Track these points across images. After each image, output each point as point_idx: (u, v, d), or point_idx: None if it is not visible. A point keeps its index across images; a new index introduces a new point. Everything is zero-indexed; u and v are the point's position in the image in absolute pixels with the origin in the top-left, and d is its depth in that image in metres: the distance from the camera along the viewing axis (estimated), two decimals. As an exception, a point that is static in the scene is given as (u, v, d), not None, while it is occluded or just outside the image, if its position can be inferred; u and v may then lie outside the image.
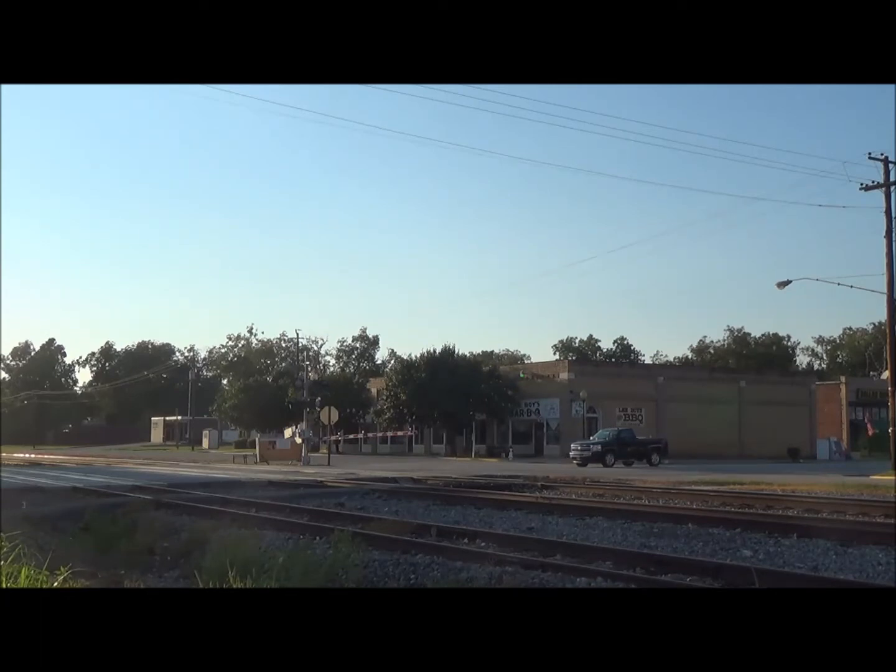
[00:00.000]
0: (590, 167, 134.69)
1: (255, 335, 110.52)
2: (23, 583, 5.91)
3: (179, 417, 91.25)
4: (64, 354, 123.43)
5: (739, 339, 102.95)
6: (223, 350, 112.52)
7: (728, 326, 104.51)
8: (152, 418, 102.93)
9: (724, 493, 19.11)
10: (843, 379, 76.02)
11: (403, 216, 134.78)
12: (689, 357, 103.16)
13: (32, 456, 54.89)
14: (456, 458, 54.90)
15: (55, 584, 5.99)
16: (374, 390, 70.92)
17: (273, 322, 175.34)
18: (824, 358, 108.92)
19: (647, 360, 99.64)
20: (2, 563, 6.35)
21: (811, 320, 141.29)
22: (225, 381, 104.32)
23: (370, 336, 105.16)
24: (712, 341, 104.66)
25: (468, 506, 15.96)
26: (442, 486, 21.79)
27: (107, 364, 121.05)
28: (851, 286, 35.00)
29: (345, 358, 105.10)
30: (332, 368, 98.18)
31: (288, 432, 53.04)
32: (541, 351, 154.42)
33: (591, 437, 45.30)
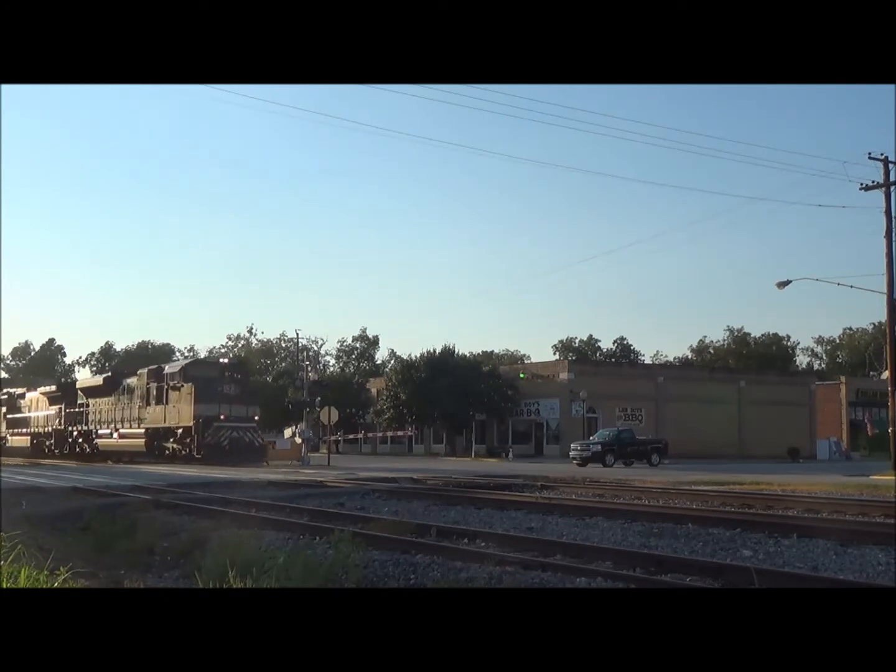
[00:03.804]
0: (590, 167, 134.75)
1: (255, 335, 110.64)
2: (23, 583, 5.91)
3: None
4: (64, 354, 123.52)
5: (739, 339, 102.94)
6: (223, 350, 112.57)
7: (728, 326, 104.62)
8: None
9: (724, 493, 19.10)
10: (843, 379, 76.05)
11: (403, 216, 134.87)
12: (689, 357, 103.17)
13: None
14: (456, 458, 54.91)
15: (55, 584, 5.99)
16: (374, 390, 70.93)
17: (273, 322, 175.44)
18: (824, 358, 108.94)
19: (647, 360, 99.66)
20: (2, 563, 6.35)
21: (811, 320, 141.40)
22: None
23: (370, 336, 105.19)
24: (712, 341, 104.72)
25: (468, 506, 15.95)
26: (442, 486, 21.79)
27: (107, 364, 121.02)
28: (851, 286, 35.04)
29: (345, 358, 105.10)
30: (332, 368, 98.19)
31: (288, 432, 53.14)
32: (541, 351, 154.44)
33: (591, 437, 45.30)
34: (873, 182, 31.77)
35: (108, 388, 42.34)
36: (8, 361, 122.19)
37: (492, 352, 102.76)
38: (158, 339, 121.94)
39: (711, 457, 51.93)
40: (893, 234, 31.08)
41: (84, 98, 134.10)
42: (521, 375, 61.95)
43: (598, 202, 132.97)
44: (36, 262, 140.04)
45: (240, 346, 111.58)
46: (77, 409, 44.91)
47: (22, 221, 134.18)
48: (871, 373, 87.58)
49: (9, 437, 52.78)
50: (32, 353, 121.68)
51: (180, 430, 35.24)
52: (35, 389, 53.37)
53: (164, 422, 36.55)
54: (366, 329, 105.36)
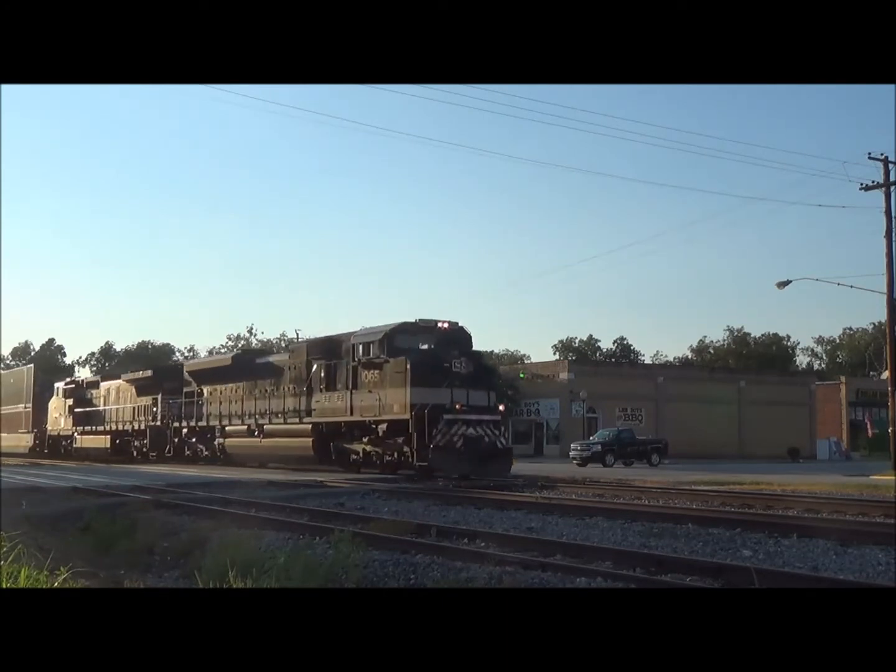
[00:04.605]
0: (590, 167, 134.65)
1: (255, 335, 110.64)
2: (23, 583, 5.91)
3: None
4: (64, 354, 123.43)
5: (739, 339, 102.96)
6: (223, 350, 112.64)
7: (728, 326, 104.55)
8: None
9: (724, 493, 19.11)
10: (843, 379, 76.06)
11: (403, 216, 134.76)
12: (689, 357, 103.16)
13: None
14: (456, 458, 54.77)
15: (55, 584, 5.99)
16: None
17: (273, 322, 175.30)
18: (824, 358, 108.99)
19: (647, 360, 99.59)
20: (2, 563, 6.35)
21: (811, 320, 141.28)
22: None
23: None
24: (712, 341, 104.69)
25: (468, 506, 15.96)
26: (442, 486, 21.79)
27: (107, 364, 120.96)
28: (851, 286, 35.04)
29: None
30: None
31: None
32: (541, 351, 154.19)
33: (591, 437, 45.31)
34: (873, 182, 31.79)
35: (238, 370, 31.42)
36: (8, 361, 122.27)
37: (492, 352, 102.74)
38: (158, 339, 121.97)
39: (711, 457, 51.91)
40: (893, 234, 31.11)
41: (84, 98, 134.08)
42: (521, 375, 61.94)
43: (598, 202, 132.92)
44: (36, 262, 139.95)
45: (240, 346, 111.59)
46: (186, 400, 34.56)
47: (22, 221, 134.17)
48: (871, 373, 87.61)
49: (77, 437, 42.61)
50: (32, 353, 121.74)
51: (384, 426, 23.98)
52: (115, 375, 43.79)
53: (349, 413, 25.08)
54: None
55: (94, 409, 42.29)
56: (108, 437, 39.89)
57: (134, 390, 39.16)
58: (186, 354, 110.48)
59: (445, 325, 24.90)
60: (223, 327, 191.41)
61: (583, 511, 14.60)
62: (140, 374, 40.19)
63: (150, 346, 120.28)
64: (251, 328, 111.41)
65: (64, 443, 44.30)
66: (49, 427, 45.97)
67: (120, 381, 41.05)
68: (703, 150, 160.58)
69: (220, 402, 32.22)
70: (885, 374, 34.81)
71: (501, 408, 24.64)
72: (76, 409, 43.18)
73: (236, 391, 31.42)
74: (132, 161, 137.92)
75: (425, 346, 24.32)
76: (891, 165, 31.44)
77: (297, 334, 63.56)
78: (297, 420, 27.41)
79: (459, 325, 25.17)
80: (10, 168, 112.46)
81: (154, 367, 44.57)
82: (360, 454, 25.17)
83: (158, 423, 36.30)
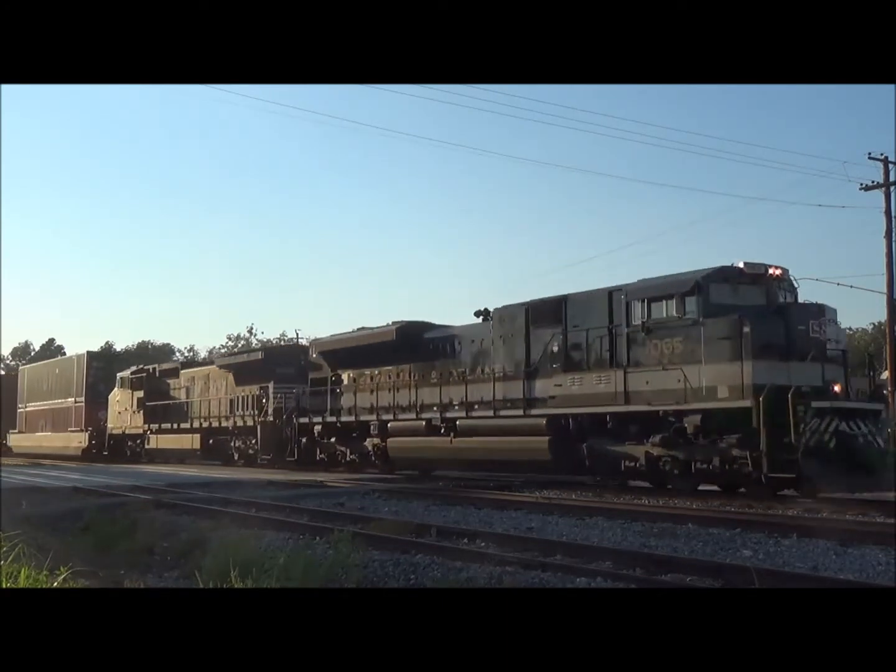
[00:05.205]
0: (590, 167, 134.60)
1: (255, 335, 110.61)
2: (23, 583, 5.91)
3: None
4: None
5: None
6: (223, 350, 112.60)
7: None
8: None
9: (724, 492, 19.07)
10: (842, 379, 76.00)
11: (403, 215, 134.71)
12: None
13: None
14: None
15: (55, 584, 5.99)
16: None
17: (273, 322, 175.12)
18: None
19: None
20: (2, 563, 6.35)
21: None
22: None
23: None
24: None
25: (468, 506, 15.95)
26: (442, 486, 21.78)
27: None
28: (851, 286, 34.99)
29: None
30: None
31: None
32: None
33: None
34: (873, 182, 31.82)
35: (401, 348, 23.36)
36: (8, 361, 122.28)
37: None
38: (158, 339, 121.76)
39: (711, 457, 51.78)
40: (893, 234, 31.12)
41: (84, 98, 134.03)
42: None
43: (598, 202, 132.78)
44: (36, 262, 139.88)
45: (240, 346, 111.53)
46: (314, 388, 26.53)
47: (21, 221, 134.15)
48: (871, 373, 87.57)
49: (150, 436, 35.72)
50: (32, 353, 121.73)
51: (695, 419, 16.35)
52: (203, 361, 35.27)
53: (622, 401, 17.47)
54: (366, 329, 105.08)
55: (174, 401, 34.80)
56: (197, 435, 32.43)
57: (231, 378, 31.57)
58: (186, 354, 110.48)
59: (778, 271, 16.90)
60: (223, 327, 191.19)
61: (583, 511, 14.59)
62: (245, 356, 32.84)
63: (150, 346, 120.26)
64: (251, 328, 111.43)
65: (131, 443, 37.59)
66: (109, 424, 38.96)
67: (210, 368, 33.88)
68: (703, 150, 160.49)
69: (374, 391, 24.17)
70: (885, 374, 34.84)
71: (887, 392, 16.94)
72: (148, 403, 35.70)
73: (401, 375, 23.47)
74: (132, 161, 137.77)
75: (755, 303, 16.44)
76: (891, 165, 31.48)
77: (297, 334, 60.94)
78: (518, 412, 19.90)
79: (790, 272, 17.28)
80: (10, 168, 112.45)
81: (264, 347, 36.51)
82: (642, 460, 17.69)
83: (271, 418, 28.60)
